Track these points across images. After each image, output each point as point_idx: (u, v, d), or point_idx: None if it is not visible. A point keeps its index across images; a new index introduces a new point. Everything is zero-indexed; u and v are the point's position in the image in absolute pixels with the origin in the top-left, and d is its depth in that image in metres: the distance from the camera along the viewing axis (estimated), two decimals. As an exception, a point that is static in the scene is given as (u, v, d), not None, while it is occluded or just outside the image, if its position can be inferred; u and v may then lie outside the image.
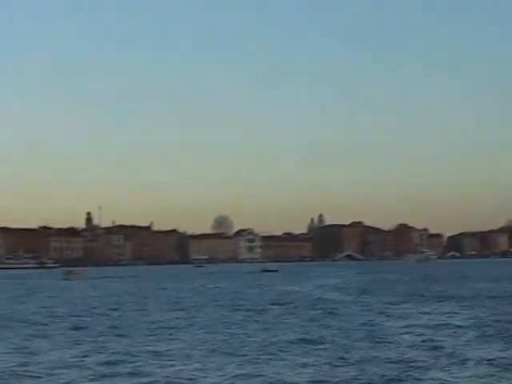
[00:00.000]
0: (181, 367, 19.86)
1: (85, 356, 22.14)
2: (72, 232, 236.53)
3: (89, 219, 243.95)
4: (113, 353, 22.72)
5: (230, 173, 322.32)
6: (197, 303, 45.55)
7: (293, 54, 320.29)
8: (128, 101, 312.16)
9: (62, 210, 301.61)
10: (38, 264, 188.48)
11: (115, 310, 41.50)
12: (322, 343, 24.48)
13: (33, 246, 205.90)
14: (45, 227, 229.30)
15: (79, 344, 25.14)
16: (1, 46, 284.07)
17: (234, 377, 18.32)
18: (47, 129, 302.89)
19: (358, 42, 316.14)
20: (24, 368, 20.18)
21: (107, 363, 20.73)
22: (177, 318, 34.80)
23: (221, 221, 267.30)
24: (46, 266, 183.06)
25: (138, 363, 20.63)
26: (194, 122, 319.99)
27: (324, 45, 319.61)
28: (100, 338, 26.79)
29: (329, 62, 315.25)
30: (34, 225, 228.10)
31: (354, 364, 19.99)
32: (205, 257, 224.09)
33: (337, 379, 17.83)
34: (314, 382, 17.63)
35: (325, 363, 20.17)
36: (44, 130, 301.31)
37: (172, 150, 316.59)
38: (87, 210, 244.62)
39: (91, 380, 18.31)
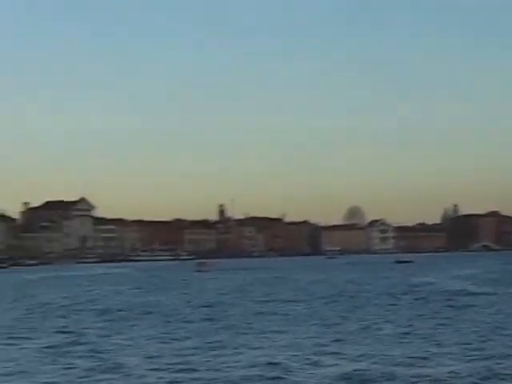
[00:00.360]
0: (291, 357, 19.62)
1: (214, 345, 22.21)
2: (205, 224, 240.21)
3: (222, 211, 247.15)
4: (238, 344, 22.69)
5: (363, 163, 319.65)
6: (324, 294, 45.13)
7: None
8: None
9: (195, 202, 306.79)
10: (172, 256, 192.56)
11: (245, 300, 41.65)
12: (456, 335, 23.58)
13: (167, 238, 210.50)
14: (179, 220, 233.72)
15: (208, 333, 25.26)
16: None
17: (355, 371, 17.68)
18: (186, 122, 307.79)
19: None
20: (157, 356, 20.45)
21: (232, 352, 20.81)
22: (301, 309, 34.55)
23: (353, 211, 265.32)
24: (181, 258, 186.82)
25: (253, 353, 20.55)
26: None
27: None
28: (229, 328, 26.99)
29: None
30: (168, 217, 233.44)
31: (484, 357, 19.13)
32: (337, 248, 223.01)
33: (464, 373, 17.07)
34: (446, 375, 16.90)
35: (454, 357, 19.40)
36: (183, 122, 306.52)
37: (309, 143, 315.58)
38: (220, 203, 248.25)
39: (216, 370, 18.33)
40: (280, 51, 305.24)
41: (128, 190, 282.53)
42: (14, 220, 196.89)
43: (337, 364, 18.71)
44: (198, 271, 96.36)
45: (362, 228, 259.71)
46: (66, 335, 26.14)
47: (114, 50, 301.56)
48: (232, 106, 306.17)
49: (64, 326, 29.37)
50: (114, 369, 18.77)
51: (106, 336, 25.76)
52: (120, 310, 36.93)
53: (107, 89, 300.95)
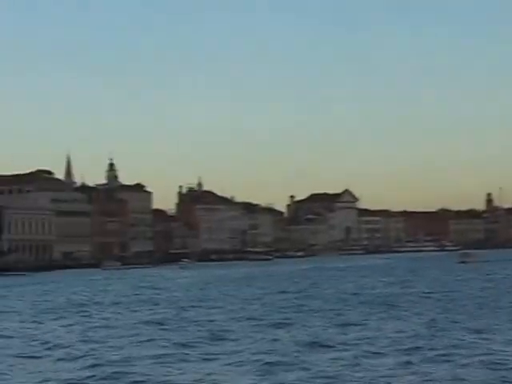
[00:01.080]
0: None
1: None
2: (472, 214, 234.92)
3: (489, 200, 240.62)
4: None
5: None
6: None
7: None
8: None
9: (461, 192, 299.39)
10: (437, 247, 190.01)
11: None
12: None
13: (432, 228, 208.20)
14: (444, 210, 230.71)
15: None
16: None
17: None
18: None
19: None
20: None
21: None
22: None
23: None
24: (446, 249, 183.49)
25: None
26: None
27: None
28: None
29: None
30: (433, 208, 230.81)
31: None
32: None
33: None
34: None
35: None
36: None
37: None
38: (487, 191, 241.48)
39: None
40: None
41: (393, 181, 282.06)
42: (281, 213, 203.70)
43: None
44: (462, 262, 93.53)
45: None
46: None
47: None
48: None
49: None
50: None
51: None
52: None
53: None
